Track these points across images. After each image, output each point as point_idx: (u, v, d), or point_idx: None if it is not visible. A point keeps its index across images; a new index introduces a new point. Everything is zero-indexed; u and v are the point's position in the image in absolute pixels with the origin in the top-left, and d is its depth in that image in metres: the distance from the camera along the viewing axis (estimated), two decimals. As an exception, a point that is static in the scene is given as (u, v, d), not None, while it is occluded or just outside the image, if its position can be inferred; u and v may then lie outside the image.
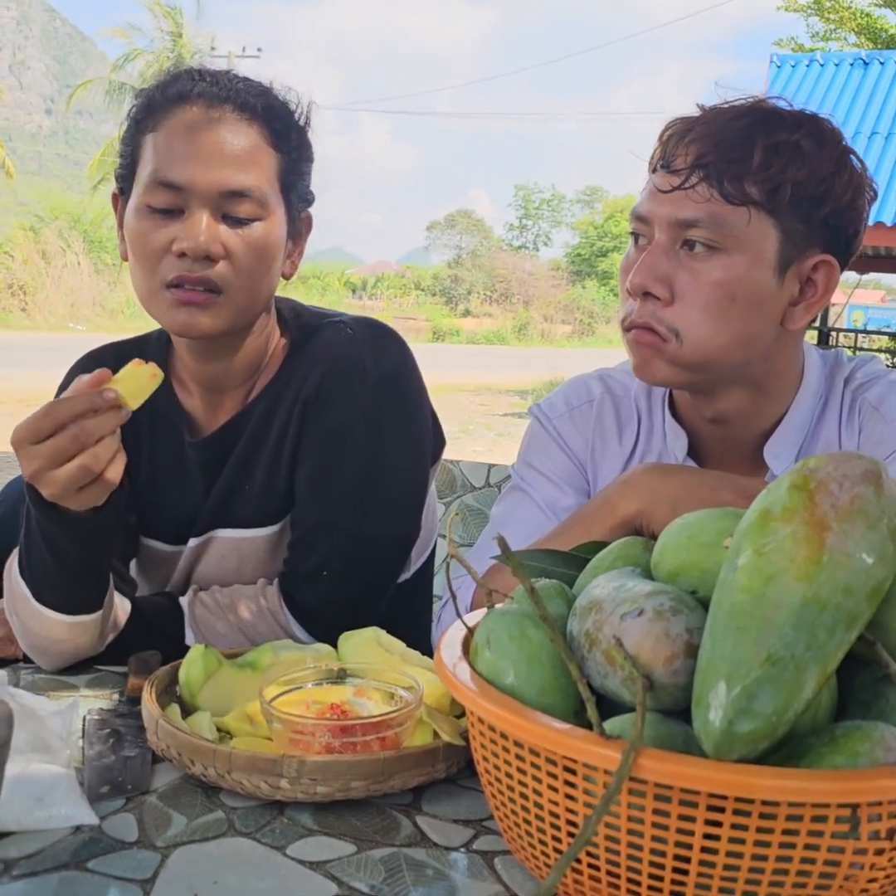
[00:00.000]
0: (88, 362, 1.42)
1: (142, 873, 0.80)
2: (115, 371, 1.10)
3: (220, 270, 1.22)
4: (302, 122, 1.32)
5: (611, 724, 0.74)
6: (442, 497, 1.89)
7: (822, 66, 13.49)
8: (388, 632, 1.16)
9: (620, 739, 0.71)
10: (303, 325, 1.39)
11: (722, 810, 0.70)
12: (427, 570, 1.53)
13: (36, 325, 23.37)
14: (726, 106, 1.16)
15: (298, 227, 1.35)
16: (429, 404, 1.41)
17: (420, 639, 1.30)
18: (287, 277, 1.34)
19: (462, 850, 0.87)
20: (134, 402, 1.08)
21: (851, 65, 13.47)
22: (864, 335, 15.98)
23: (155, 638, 1.27)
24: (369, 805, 0.93)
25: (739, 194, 1.10)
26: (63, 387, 1.40)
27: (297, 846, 0.86)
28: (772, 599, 0.71)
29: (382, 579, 1.35)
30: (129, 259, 1.27)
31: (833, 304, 18.44)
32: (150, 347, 1.42)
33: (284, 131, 1.28)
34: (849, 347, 14.39)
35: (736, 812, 0.70)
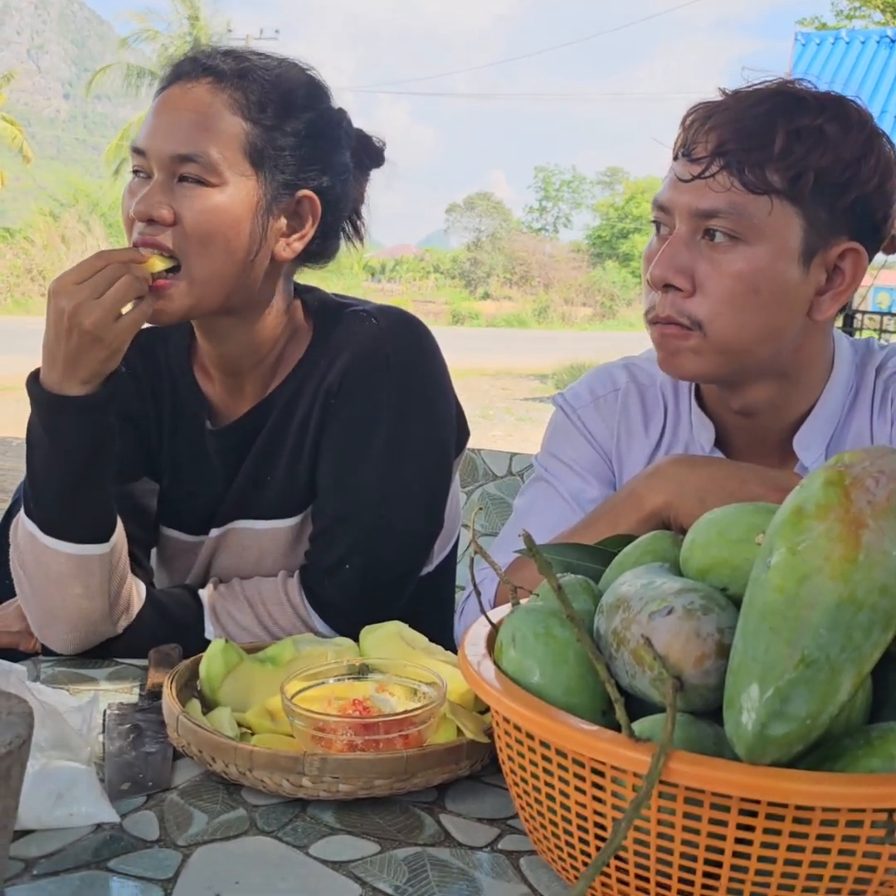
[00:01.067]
0: None
1: (163, 873, 0.79)
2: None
3: (171, 236, 1.21)
4: (294, 97, 1.28)
5: (640, 726, 0.73)
6: (464, 486, 1.87)
7: (847, 43, 13.33)
8: (410, 624, 1.15)
9: (650, 742, 0.69)
10: (326, 313, 1.37)
11: (754, 815, 0.68)
12: (450, 562, 1.51)
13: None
14: (748, 90, 1.12)
15: (293, 207, 1.28)
16: (453, 395, 1.39)
17: (442, 631, 1.29)
18: (280, 260, 1.29)
19: (487, 849, 0.86)
20: None
21: (877, 42, 13.30)
22: (889, 317, 15.83)
23: (175, 630, 1.26)
24: (392, 803, 0.92)
25: (761, 183, 1.07)
26: None
27: (319, 845, 0.85)
28: (806, 599, 0.69)
29: (405, 572, 1.33)
30: None
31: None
32: (173, 332, 1.40)
33: (260, 102, 1.25)
34: (874, 330, 14.25)
35: (769, 817, 0.68)
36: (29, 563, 1.22)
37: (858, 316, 13.69)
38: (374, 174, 1.43)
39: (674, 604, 0.75)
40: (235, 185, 1.22)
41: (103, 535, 1.21)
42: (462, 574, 1.65)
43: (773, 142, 1.07)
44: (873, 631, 0.68)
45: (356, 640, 1.13)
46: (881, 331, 14.54)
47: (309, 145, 1.28)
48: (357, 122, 1.38)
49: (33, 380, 1.18)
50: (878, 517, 0.69)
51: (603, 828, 0.74)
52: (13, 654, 1.32)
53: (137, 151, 1.24)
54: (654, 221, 1.17)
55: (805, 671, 0.67)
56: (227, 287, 1.24)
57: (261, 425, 1.35)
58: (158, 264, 1.19)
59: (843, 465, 0.73)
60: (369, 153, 1.39)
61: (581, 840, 0.75)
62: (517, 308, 40.81)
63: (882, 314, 15.56)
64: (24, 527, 1.22)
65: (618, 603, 0.79)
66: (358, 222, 1.41)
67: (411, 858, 0.84)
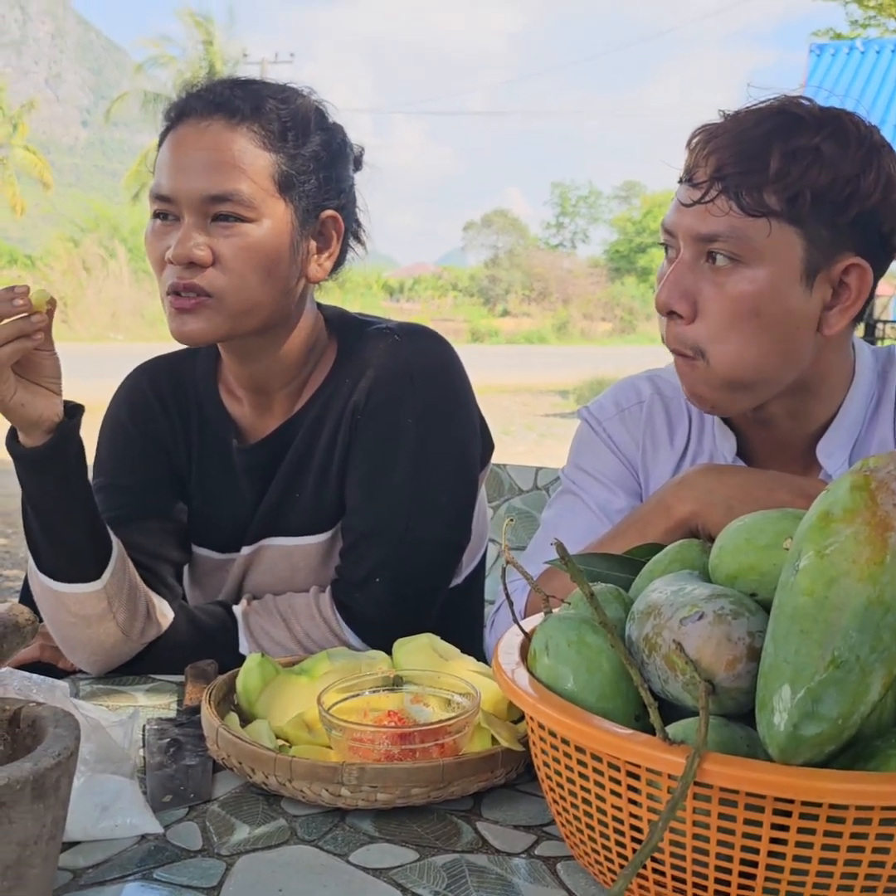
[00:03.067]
0: (141, 375, 1.44)
1: (208, 881, 0.81)
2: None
3: (209, 276, 1.23)
4: (308, 121, 1.30)
5: (673, 730, 0.74)
6: (490, 501, 1.88)
7: (862, 53, 13.33)
8: (440, 637, 1.16)
9: (684, 744, 0.71)
10: (349, 331, 1.39)
11: (789, 815, 0.69)
12: (478, 574, 1.53)
13: (77, 336, 23.62)
14: (747, 111, 1.12)
15: (318, 228, 1.32)
16: (477, 409, 1.41)
17: (473, 644, 1.30)
18: (314, 281, 1.33)
19: (524, 855, 0.87)
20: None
21: (893, 51, 13.30)
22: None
23: (210, 645, 1.28)
24: (430, 812, 0.94)
25: (758, 205, 1.08)
26: (117, 399, 1.42)
27: (359, 853, 0.86)
28: (835, 602, 0.70)
29: (434, 585, 1.35)
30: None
31: (879, 296, 18.22)
32: (199, 356, 1.43)
33: (281, 131, 1.27)
34: (894, 340, 14.20)
35: (803, 816, 0.69)
36: (36, 594, 1.26)
37: (880, 325, 13.63)
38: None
39: (704, 609, 0.77)
40: (270, 216, 1.25)
41: (90, 575, 1.23)
42: (490, 588, 1.67)
43: (768, 164, 1.07)
44: (902, 631, 0.70)
45: (389, 652, 1.15)
46: (902, 340, 14.45)
47: (325, 166, 1.31)
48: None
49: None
50: (905, 520, 0.71)
51: (639, 831, 0.75)
52: (54, 672, 1.34)
53: (162, 198, 1.25)
54: (663, 244, 1.19)
55: (835, 672, 0.69)
56: (265, 313, 1.27)
57: (288, 443, 1.37)
58: (42, 302, 1.11)
59: (868, 469, 0.74)
60: (359, 162, 1.42)
61: (618, 843, 0.77)
62: (536, 324, 40.85)
63: (903, 323, 15.48)
64: (29, 561, 1.26)
65: (649, 610, 0.81)
66: (359, 230, 1.42)
67: (450, 865, 0.85)
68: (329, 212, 1.31)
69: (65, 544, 1.22)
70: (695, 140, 1.13)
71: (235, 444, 1.40)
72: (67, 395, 1.20)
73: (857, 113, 1.13)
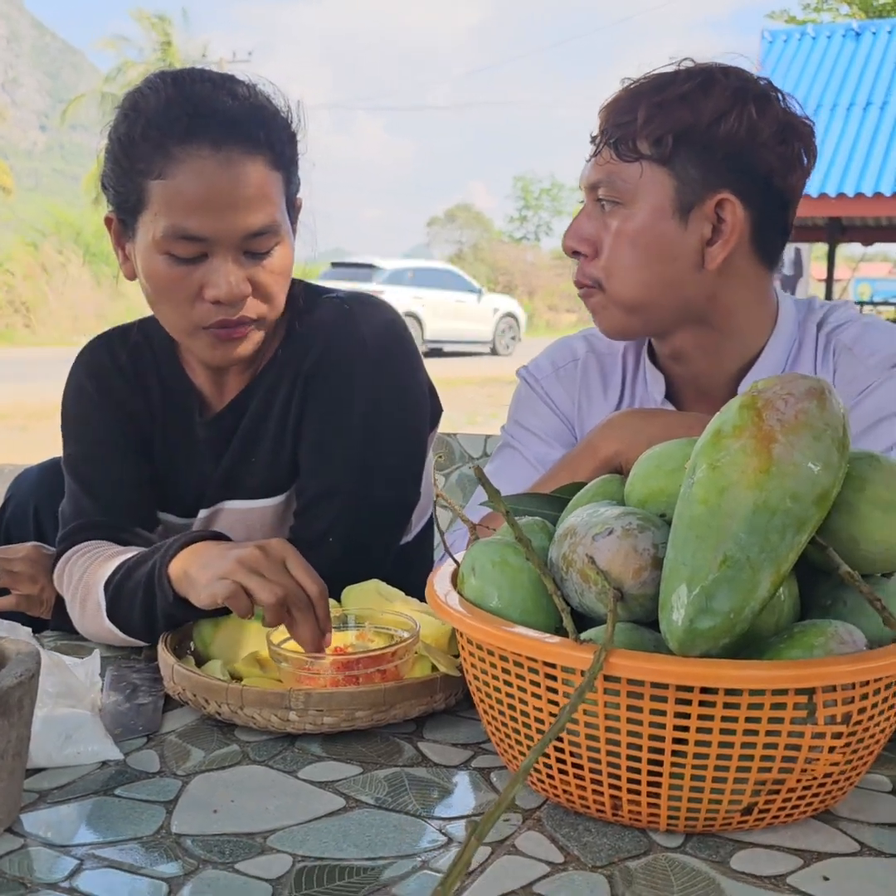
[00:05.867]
0: (99, 346, 1.48)
1: (165, 796, 0.87)
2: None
3: (252, 304, 1.29)
4: (294, 128, 1.35)
5: (587, 634, 0.81)
6: (442, 469, 1.95)
7: (813, 39, 13.48)
8: (392, 590, 1.23)
9: (593, 643, 0.78)
10: (302, 301, 1.44)
11: (689, 703, 0.76)
12: (427, 532, 1.59)
13: (40, 341, 23.45)
14: (635, 79, 1.24)
15: (295, 217, 1.39)
16: (425, 373, 1.47)
17: (421, 597, 1.37)
18: None
19: (461, 767, 0.94)
20: None
21: (843, 36, 13.45)
22: (871, 307, 15.99)
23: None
24: (374, 734, 1.00)
25: (631, 151, 1.20)
26: (76, 370, 1.47)
27: (307, 770, 0.93)
28: (726, 509, 0.77)
29: (385, 542, 1.41)
30: (153, 296, 1.31)
31: (838, 280, 18.43)
32: (155, 329, 1.47)
33: (283, 149, 1.31)
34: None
35: (702, 704, 0.76)
36: (85, 615, 1.28)
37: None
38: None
39: (614, 526, 0.83)
40: (286, 234, 1.32)
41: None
42: (439, 544, 1.73)
43: (638, 115, 1.19)
44: (787, 533, 0.77)
45: (339, 601, 1.21)
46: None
47: (296, 162, 1.36)
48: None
49: None
50: (788, 433, 0.78)
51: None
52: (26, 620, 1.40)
53: (193, 238, 1.23)
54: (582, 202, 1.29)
55: (727, 571, 0.76)
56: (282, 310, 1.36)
57: (245, 410, 1.42)
58: None
59: (756, 390, 0.82)
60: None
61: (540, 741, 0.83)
62: (502, 317, 40.93)
63: (862, 303, 15.67)
64: (95, 592, 1.26)
65: (566, 532, 0.87)
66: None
67: (391, 776, 0.92)
68: (297, 199, 1.39)
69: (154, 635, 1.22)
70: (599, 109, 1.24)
71: (198, 414, 1.45)
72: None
73: (735, 67, 1.21)
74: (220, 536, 1.21)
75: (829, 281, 14.46)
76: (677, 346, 1.28)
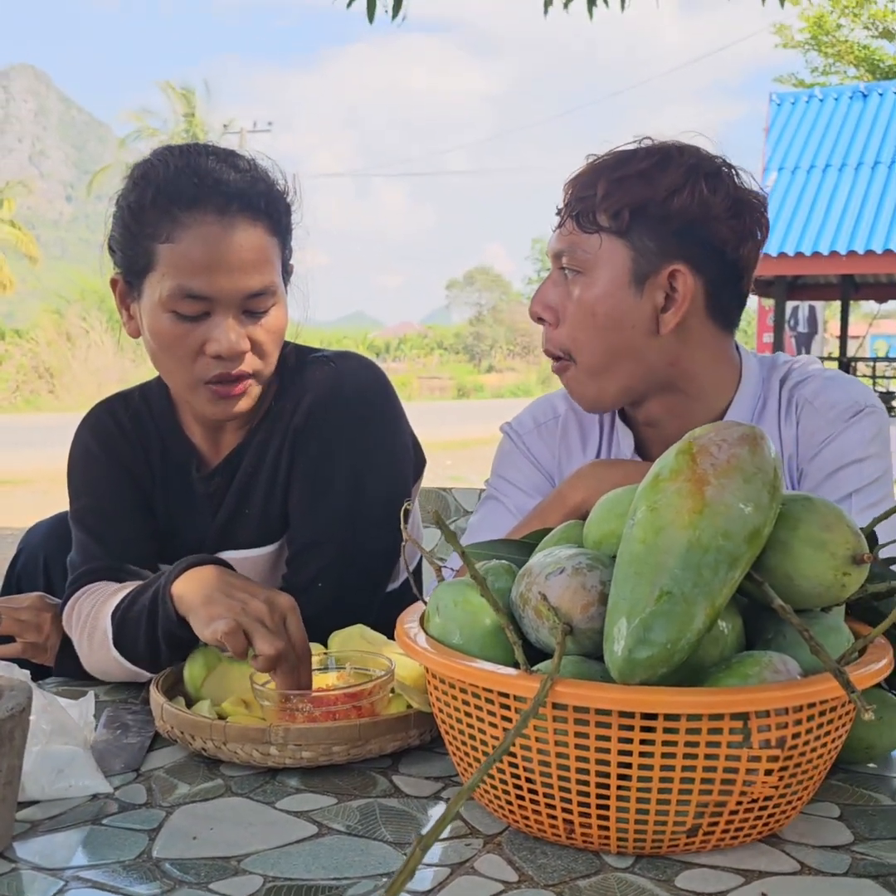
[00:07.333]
0: (101, 410, 1.57)
1: (149, 825, 0.93)
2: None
3: (249, 360, 1.38)
4: (289, 199, 1.46)
5: (538, 667, 0.87)
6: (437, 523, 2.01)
7: (821, 100, 13.72)
8: (380, 638, 1.28)
9: (542, 673, 0.83)
10: (293, 362, 1.52)
11: (631, 728, 0.82)
12: (414, 579, 1.65)
13: (64, 407, 23.75)
14: (599, 155, 1.32)
15: (287, 281, 1.48)
16: (408, 426, 1.54)
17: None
18: None
19: (430, 798, 0.99)
20: None
21: (851, 98, 13.68)
22: (885, 363, 16.05)
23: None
24: (351, 768, 1.06)
25: (591, 224, 1.28)
26: (82, 432, 1.55)
27: (284, 801, 0.98)
28: (662, 546, 0.83)
29: (372, 588, 1.47)
30: (157, 353, 1.40)
31: (854, 337, 18.50)
32: (153, 393, 1.56)
33: (280, 217, 1.42)
34: (867, 376, 14.43)
35: (644, 729, 0.82)
36: (96, 642, 1.34)
37: (853, 363, 13.86)
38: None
39: (565, 565, 0.90)
40: (281, 296, 1.41)
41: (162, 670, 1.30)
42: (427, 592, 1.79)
43: (598, 189, 1.27)
44: (720, 569, 0.83)
45: (326, 645, 1.27)
46: (875, 377, 14.69)
47: (291, 230, 1.47)
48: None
49: None
50: (720, 476, 0.84)
51: (514, 755, 0.87)
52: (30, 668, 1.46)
53: (197, 297, 1.33)
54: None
55: (664, 604, 0.82)
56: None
57: (239, 465, 1.50)
58: None
59: (693, 437, 0.88)
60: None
61: (499, 770, 0.89)
62: (521, 378, 41.16)
63: (876, 360, 15.72)
64: (103, 622, 1.33)
65: (524, 572, 0.93)
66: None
67: (364, 807, 0.97)
68: (291, 267, 1.48)
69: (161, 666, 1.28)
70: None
71: (195, 471, 1.53)
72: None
73: (691, 145, 1.28)
74: (221, 561, 1.28)
75: (844, 338, 14.54)
76: (650, 413, 1.35)
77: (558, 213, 1.33)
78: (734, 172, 1.28)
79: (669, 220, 1.25)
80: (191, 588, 1.20)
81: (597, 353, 1.29)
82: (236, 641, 1.12)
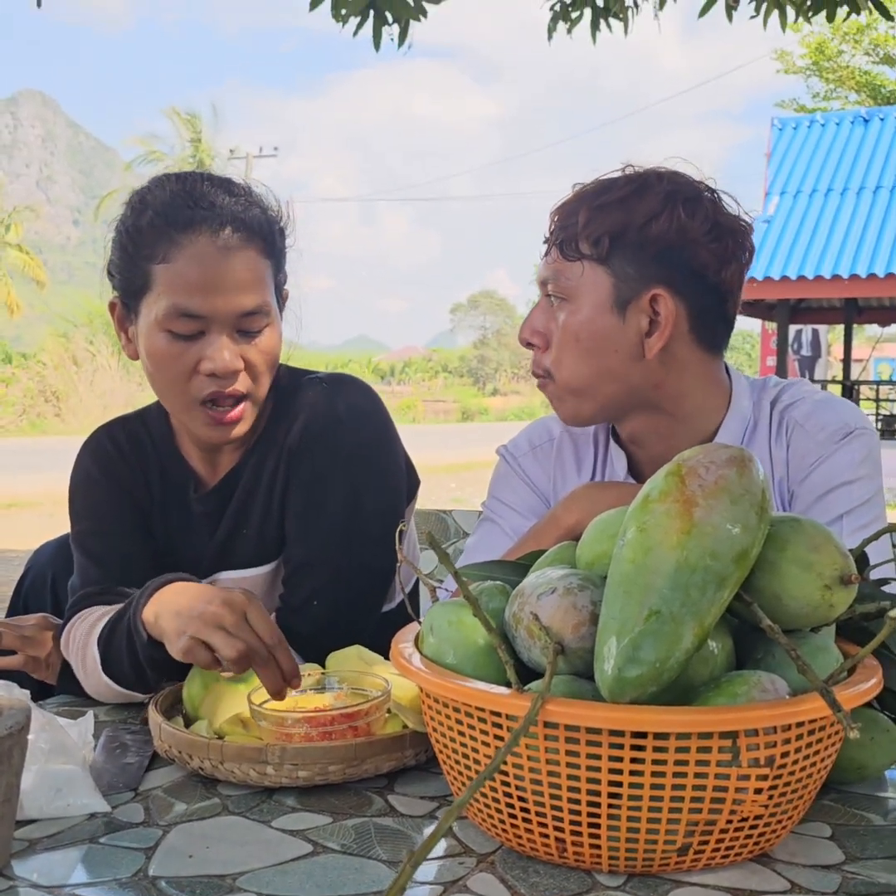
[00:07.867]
0: (101, 434, 1.59)
1: (146, 843, 0.94)
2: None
3: (243, 379, 1.40)
4: (283, 223, 1.49)
5: (530, 685, 0.88)
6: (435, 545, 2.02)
7: (823, 125, 13.79)
8: (375, 658, 1.29)
9: (533, 692, 0.84)
10: (287, 384, 1.54)
11: (622, 747, 0.83)
12: (412, 599, 1.66)
13: (71, 430, 23.81)
14: (582, 185, 1.34)
15: (282, 306, 1.51)
16: (401, 447, 1.56)
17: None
18: None
19: (425, 817, 1.00)
20: None
21: (852, 123, 13.76)
22: (889, 386, 16.08)
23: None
24: (347, 788, 1.06)
25: (574, 251, 1.30)
26: (82, 456, 1.57)
27: (280, 820, 0.99)
28: (651, 567, 0.84)
29: (367, 607, 1.49)
30: (153, 373, 1.43)
31: (858, 360, 18.54)
32: (152, 418, 1.58)
33: (272, 240, 1.45)
34: (871, 400, 14.46)
35: (634, 748, 0.83)
36: (88, 667, 1.35)
37: (856, 387, 13.87)
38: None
39: (557, 585, 0.91)
40: (275, 316, 1.44)
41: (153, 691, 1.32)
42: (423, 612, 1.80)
43: (579, 218, 1.29)
44: (708, 589, 0.84)
45: (323, 666, 1.28)
46: (877, 400, 14.70)
47: (284, 254, 1.50)
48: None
49: None
50: (708, 497, 0.86)
51: (506, 774, 0.88)
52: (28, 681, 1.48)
53: (192, 315, 1.35)
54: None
55: (652, 624, 0.83)
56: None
57: (236, 485, 1.52)
58: None
59: (682, 459, 0.90)
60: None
61: (491, 788, 0.90)
62: (526, 401, 41.19)
63: (879, 383, 15.73)
64: (93, 648, 1.34)
65: (517, 593, 0.95)
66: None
67: (359, 825, 0.98)
68: (285, 290, 1.52)
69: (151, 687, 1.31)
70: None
71: (193, 492, 1.54)
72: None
73: (672, 172, 1.30)
74: (183, 577, 1.30)
75: (847, 361, 14.56)
76: (633, 430, 1.37)
77: (545, 242, 1.35)
78: (716, 197, 1.30)
79: (648, 246, 1.27)
80: (156, 611, 1.22)
81: (581, 376, 1.32)
82: (199, 655, 1.14)
